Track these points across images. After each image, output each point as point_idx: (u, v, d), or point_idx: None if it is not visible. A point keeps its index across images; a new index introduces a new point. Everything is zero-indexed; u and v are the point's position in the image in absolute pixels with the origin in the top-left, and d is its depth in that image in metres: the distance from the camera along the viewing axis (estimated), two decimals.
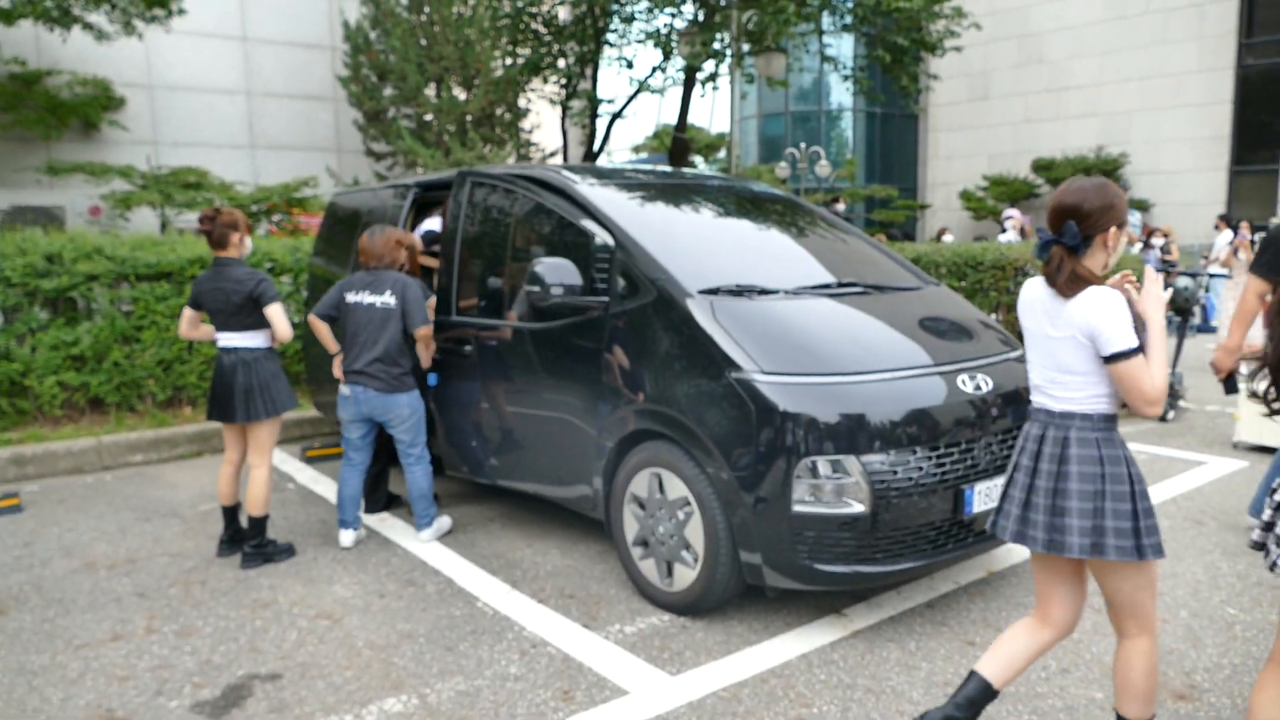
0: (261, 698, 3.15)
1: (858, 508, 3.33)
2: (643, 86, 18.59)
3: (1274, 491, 2.26)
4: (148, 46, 15.20)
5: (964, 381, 3.67)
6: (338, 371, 4.66)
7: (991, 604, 3.86)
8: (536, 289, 4.01)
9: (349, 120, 16.90)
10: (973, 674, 2.62)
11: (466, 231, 5.02)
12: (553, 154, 17.57)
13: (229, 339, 4.35)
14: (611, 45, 18.30)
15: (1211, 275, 11.80)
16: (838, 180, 30.37)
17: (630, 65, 18.70)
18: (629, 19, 17.64)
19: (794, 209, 5.22)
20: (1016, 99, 28.65)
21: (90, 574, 4.33)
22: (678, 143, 18.61)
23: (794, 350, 3.57)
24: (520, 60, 17.02)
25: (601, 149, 19.19)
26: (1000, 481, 3.62)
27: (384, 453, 5.03)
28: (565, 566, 4.35)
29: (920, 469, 3.41)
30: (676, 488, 3.67)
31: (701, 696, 3.11)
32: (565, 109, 19.12)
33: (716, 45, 16.67)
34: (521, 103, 16.58)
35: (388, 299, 4.46)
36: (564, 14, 18.05)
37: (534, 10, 17.31)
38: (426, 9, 15.12)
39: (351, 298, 4.52)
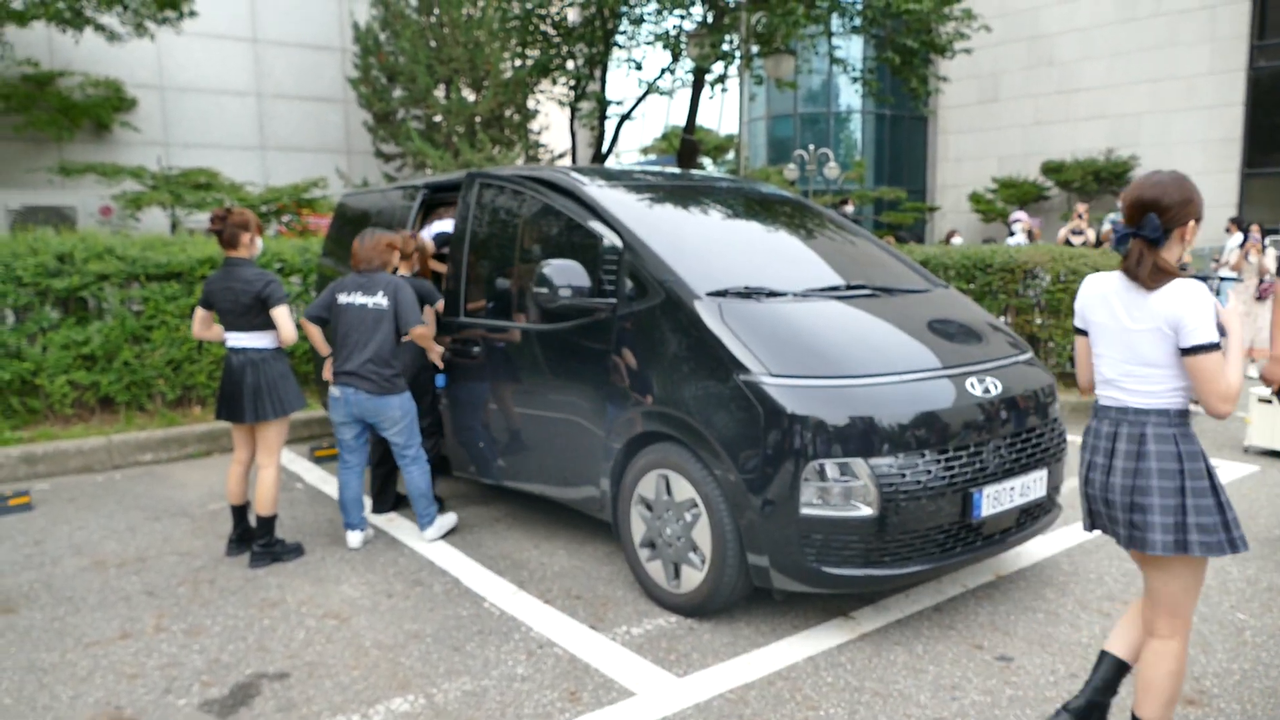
0: (269, 696, 3.16)
1: (866, 511, 3.32)
2: (651, 88, 18.62)
3: None
4: (159, 48, 15.28)
5: (973, 384, 3.66)
6: (327, 374, 4.66)
7: (1000, 608, 3.84)
8: (545, 290, 4.01)
9: (358, 122, 16.96)
10: (1104, 655, 2.66)
11: (475, 233, 5.03)
12: (561, 155, 17.59)
13: (238, 339, 4.37)
14: (620, 47, 18.33)
15: (1222, 279, 11.76)
16: (846, 182, 30.31)
17: (639, 67, 18.73)
18: (638, 21, 17.66)
19: (802, 211, 5.21)
20: (1026, 101, 28.54)
21: (100, 572, 4.35)
22: (686, 144, 18.61)
23: (802, 353, 3.57)
24: (529, 62, 17.06)
25: (610, 150, 19.22)
26: (1015, 482, 3.64)
27: (392, 454, 5.04)
28: (572, 567, 4.35)
29: (929, 472, 3.40)
30: (684, 490, 3.67)
31: (708, 698, 3.11)
32: (574, 110, 19.15)
33: (725, 47, 16.68)
34: (530, 104, 16.61)
35: (380, 300, 4.46)
36: (573, 16, 18.09)
37: (543, 12, 17.35)
38: (436, 11, 15.16)
39: (343, 299, 4.52)
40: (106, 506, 5.43)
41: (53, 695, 3.19)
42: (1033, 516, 3.89)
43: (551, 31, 17.89)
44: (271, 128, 17.20)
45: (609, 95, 19.10)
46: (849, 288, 4.23)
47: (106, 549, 4.68)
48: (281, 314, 4.29)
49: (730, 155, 35.88)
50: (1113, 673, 2.65)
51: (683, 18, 17.35)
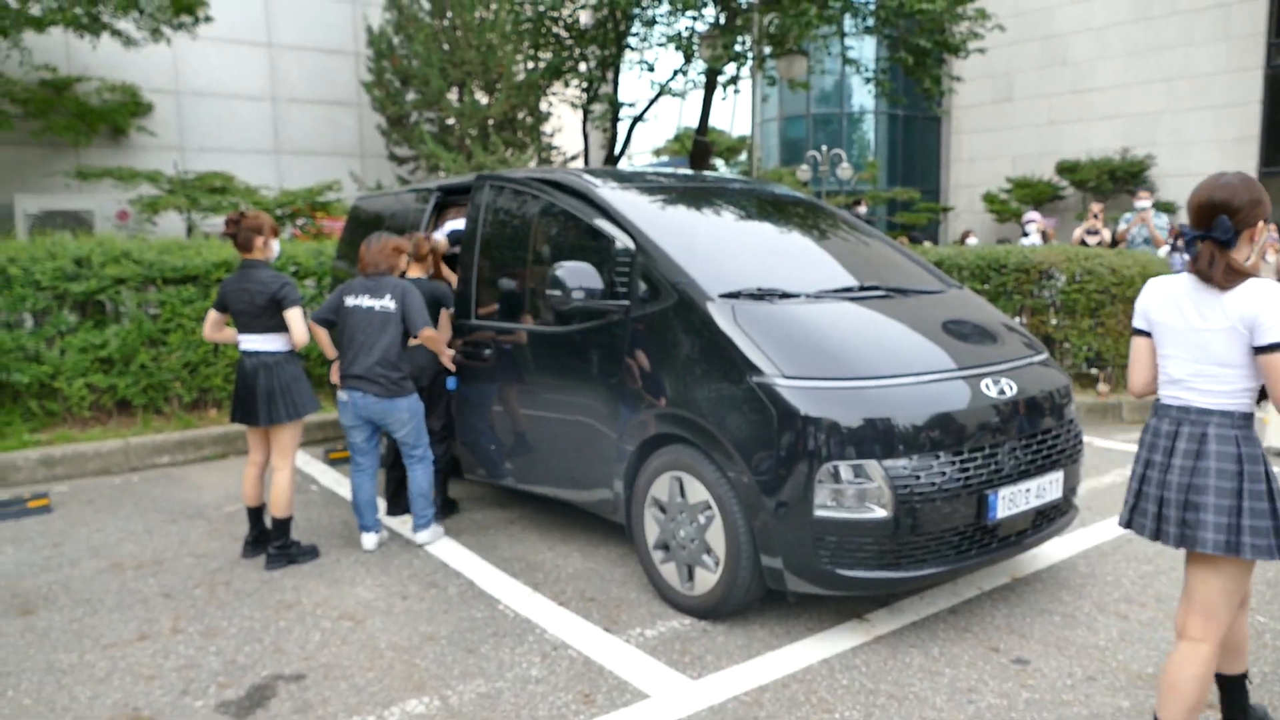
0: (285, 698, 3.17)
1: (880, 513, 3.31)
2: (664, 90, 18.61)
3: None
4: (175, 53, 15.40)
5: (988, 385, 3.64)
6: (334, 377, 4.67)
7: (1015, 610, 3.82)
8: (557, 293, 4.01)
9: (372, 125, 17.03)
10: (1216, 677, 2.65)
11: (485, 235, 5.04)
12: (574, 157, 17.61)
13: (251, 341, 4.39)
14: (633, 49, 18.33)
15: None
16: (859, 183, 30.23)
17: (651, 68, 18.72)
18: (650, 22, 17.66)
19: (815, 212, 5.20)
20: (1040, 101, 28.39)
21: (117, 574, 4.39)
22: (699, 146, 18.61)
23: (816, 354, 3.56)
24: (542, 64, 17.09)
25: (623, 152, 19.23)
26: (1031, 484, 3.62)
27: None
28: (586, 569, 4.35)
29: (943, 474, 3.38)
30: (698, 491, 3.66)
31: (722, 700, 3.10)
32: (586, 112, 19.17)
33: (738, 48, 16.67)
34: (543, 106, 16.64)
35: (387, 303, 4.47)
36: (585, 18, 18.11)
37: (555, 15, 17.38)
38: (449, 14, 15.22)
39: (350, 301, 4.53)
40: (124, 509, 5.47)
41: (71, 696, 3.21)
42: (1049, 518, 3.86)
43: (564, 34, 17.91)
44: (286, 132, 17.30)
45: (621, 97, 19.09)
46: (862, 289, 4.21)
47: (124, 551, 4.72)
48: (295, 315, 4.31)
49: (743, 156, 35.85)
50: (1228, 695, 2.65)
51: (695, 19, 17.34)
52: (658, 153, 40.24)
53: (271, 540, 4.47)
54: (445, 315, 5.03)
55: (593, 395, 4.21)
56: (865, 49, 22.52)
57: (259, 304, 4.31)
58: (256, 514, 4.60)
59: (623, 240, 4.16)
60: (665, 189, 4.87)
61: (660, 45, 17.97)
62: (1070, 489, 3.94)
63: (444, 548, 4.66)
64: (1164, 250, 10.08)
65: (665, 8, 17.06)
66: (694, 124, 20.16)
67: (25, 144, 14.30)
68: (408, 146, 15.69)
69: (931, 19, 15.68)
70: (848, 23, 17.07)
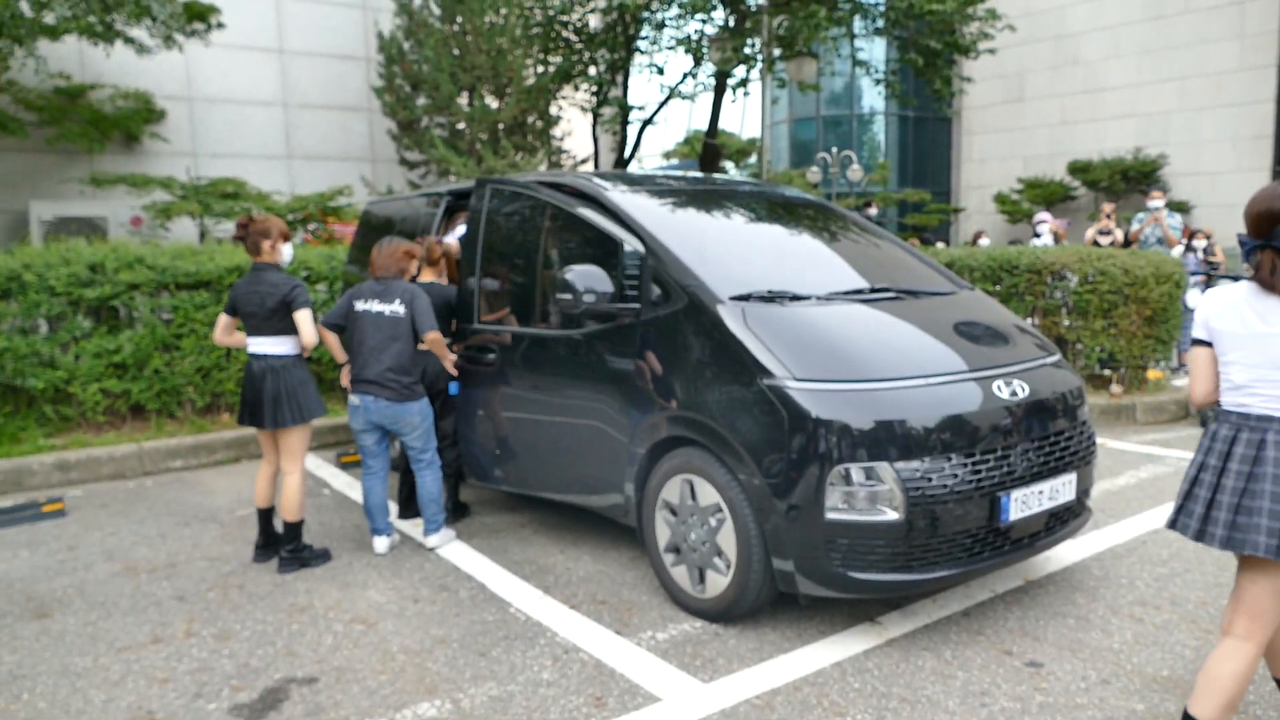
0: (298, 701, 3.18)
1: (892, 515, 3.30)
2: (673, 93, 18.61)
3: None
4: (188, 60, 15.48)
5: (1000, 387, 3.62)
6: (345, 381, 4.69)
7: (1029, 612, 3.80)
8: (568, 297, 4.00)
9: (383, 130, 17.10)
10: (1186, 716, 2.57)
11: (488, 240, 5.00)
12: (584, 161, 17.63)
13: (259, 345, 4.41)
14: (642, 52, 18.34)
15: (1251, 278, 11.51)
16: (870, 184, 30.17)
17: (661, 72, 18.73)
18: (660, 26, 17.67)
19: (826, 214, 5.19)
20: (1052, 100, 28.27)
21: (131, 578, 4.41)
22: (709, 148, 18.60)
23: (826, 356, 3.55)
24: (552, 68, 17.12)
25: (633, 155, 19.24)
26: (1044, 486, 3.60)
27: None
28: (597, 572, 4.35)
29: (955, 476, 3.37)
30: (708, 494, 3.66)
31: (734, 704, 3.09)
32: (596, 116, 19.19)
33: (747, 50, 16.65)
34: (553, 110, 16.67)
35: (397, 308, 4.49)
36: (595, 22, 18.14)
37: (565, 19, 17.41)
38: (459, 19, 15.27)
39: (360, 305, 4.55)
40: (138, 512, 5.51)
41: (86, 699, 3.23)
42: (1062, 520, 3.84)
43: (573, 38, 17.94)
44: (297, 137, 17.38)
45: (631, 100, 19.10)
46: (873, 291, 4.20)
47: (138, 554, 4.74)
48: (304, 317, 4.32)
49: (753, 159, 35.82)
50: None
51: (704, 22, 17.34)
52: (668, 156, 40.25)
53: (284, 544, 4.48)
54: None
55: (603, 399, 4.20)
56: (875, 50, 22.49)
57: (269, 306, 4.33)
58: (266, 516, 4.61)
59: (632, 243, 4.15)
60: (675, 192, 4.87)
61: (670, 48, 17.96)
62: (1084, 491, 3.92)
63: (455, 551, 4.67)
64: (1177, 250, 10.01)
65: (675, 11, 17.07)
66: (704, 127, 20.18)
67: (40, 151, 14.42)
68: (418, 151, 15.74)
69: (941, 20, 15.62)
70: (857, 24, 17.04)
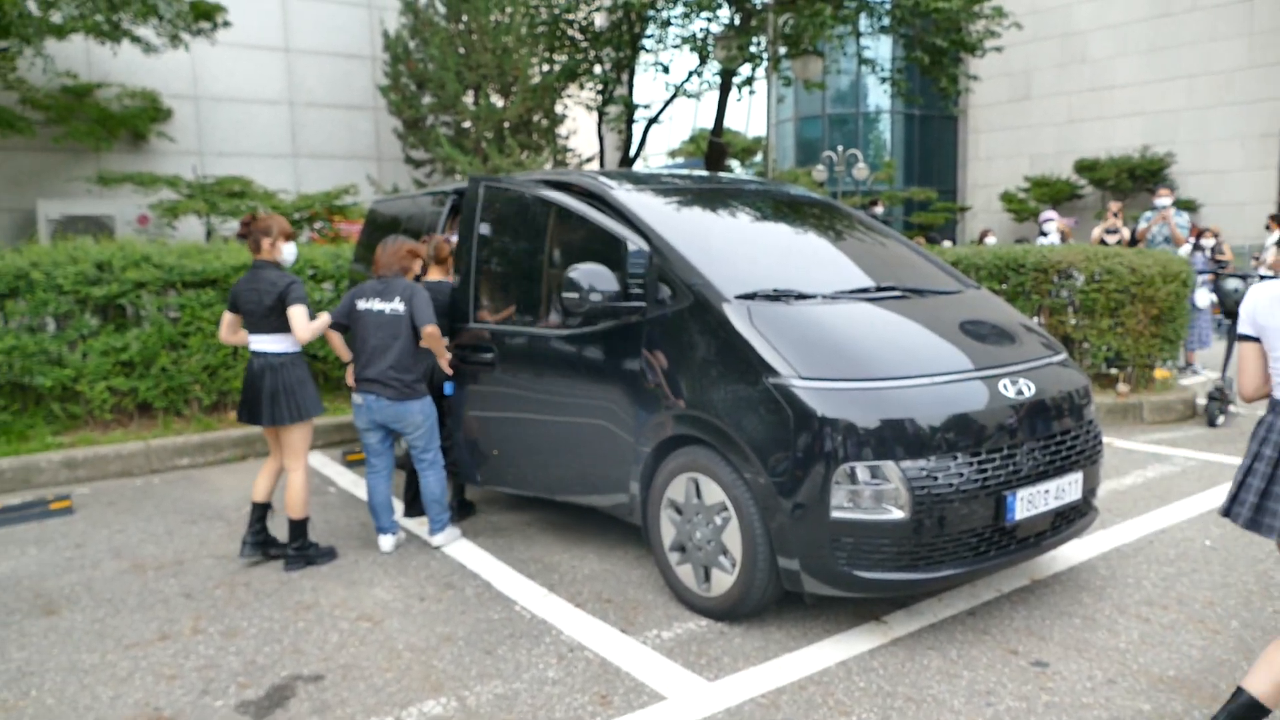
0: (304, 698, 3.19)
1: (897, 514, 3.29)
2: (679, 91, 18.63)
3: None
4: (194, 59, 15.53)
5: (1005, 386, 3.61)
6: (350, 380, 4.70)
7: (1035, 612, 3.79)
8: (573, 295, 4.00)
9: (389, 129, 17.13)
10: (1240, 691, 2.53)
11: (488, 240, 4.96)
12: (589, 159, 17.64)
13: (259, 342, 4.42)
14: (648, 51, 18.35)
15: (1261, 277, 11.53)
16: (876, 183, 30.13)
17: (666, 70, 18.74)
18: (665, 24, 17.67)
19: (831, 212, 5.18)
20: (1059, 99, 28.21)
21: (139, 575, 4.43)
22: (714, 147, 18.60)
23: (832, 355, 3.55)
24: (557, 67, 17.14)
25: (638, 154, 19.25)
26: (1050, 485, 3.59)
27: None
28: (602, 571, 4.35)
29: (961, 475, 3.37)
30: (714, 493, 3.66)
31: (740, 703, 3.10)
32: (602, 115, 19.21)
33: (753, 49, 16.64)
34: (558, 109, 16.68)
35: (397, 305, 4.49)
36: (600, 20, 18.14)
37: (571, 17, 17.42)
38: (464, 18, 15.28)
39: (362, 305, 4.56)
40: (145, 510, 5.53)
41: (94, 696, 3.24)
42: (1068, 520, 3.83)
43: (579, 36, 17.95)
44: (303, 136, 17.42)
45: (636, 99, 19.11)
46: (879, 289, 4.19)
47: (145, 552, 4.76)
48: (296, 313, 4.30)
49: (758, 157, 35.80)
50: (1245, 712, 2.50)
51: (710, 21, 17.34)
52: (673, 154, 40.26)
53: (290, 542, 4.49)
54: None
55: (608, 398, 4.19)
56: (881, 49, 22.44)
57: (266, 304, 4.33)
58: (260, 511, 4.56)
59: (637, 242, 4.14)
60: (680, 190, 4.86)
61: (675, 47, 17.98)
62: (1090, 490, 3.91)
63: (461, 549, 4.67)
64: (1185, 249, 9.98)
65: (680, 9, 17.07)
66: (709, 125, 20.16)
67: (47, 150, 14.48)
68: (424, 150, 15.77)
69: (948, 17, 15.59)
70: (863, 22, 17.02)
